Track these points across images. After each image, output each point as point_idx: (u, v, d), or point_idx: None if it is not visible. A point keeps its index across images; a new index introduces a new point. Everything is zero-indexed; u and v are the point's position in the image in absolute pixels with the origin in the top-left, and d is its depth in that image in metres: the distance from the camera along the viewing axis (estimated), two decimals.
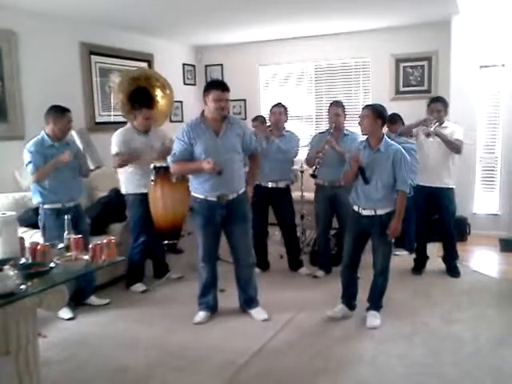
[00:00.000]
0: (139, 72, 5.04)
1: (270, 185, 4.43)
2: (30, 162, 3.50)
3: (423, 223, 4.49)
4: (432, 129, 4.09)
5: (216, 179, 3.29)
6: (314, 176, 4.21)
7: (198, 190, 3.40)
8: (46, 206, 3.60)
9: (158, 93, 4.91)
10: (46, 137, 3.57)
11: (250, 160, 3.64)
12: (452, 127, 4.31)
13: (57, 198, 3.58)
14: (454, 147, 4.17)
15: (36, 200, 3.62)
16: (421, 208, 4.44)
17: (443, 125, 4.27)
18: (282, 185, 4.47)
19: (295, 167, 5.13)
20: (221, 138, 3.33)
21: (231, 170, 3.34)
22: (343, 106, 4.37)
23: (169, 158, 3.48)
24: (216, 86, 3.30)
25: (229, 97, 3.34)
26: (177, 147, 3.37)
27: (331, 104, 4.40)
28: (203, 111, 3.39)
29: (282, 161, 4.41)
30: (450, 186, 4.33)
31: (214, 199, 3.36)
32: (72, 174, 3.65)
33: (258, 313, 3.58)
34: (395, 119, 4.94)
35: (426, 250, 4.54)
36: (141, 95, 4.73)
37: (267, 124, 4.75)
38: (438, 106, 4.27)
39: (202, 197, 3.39)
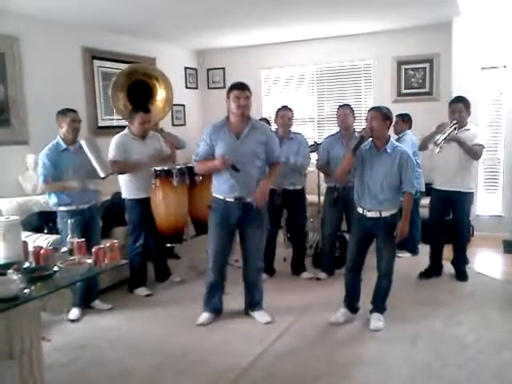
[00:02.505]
0: (135, 66, 4.98)
1: (287, 187, 4.39)
2: (41, 174, 3.61)
3: (437, 227, 4.36)
4: (443, 137, 3.87)
5: (234, 181, 3.34)
6: (337, 199, 4.31)
7: (219, 190, 3.45)
8: (60, 208, 3.66)
9: (158, 84, 4.89)
10: (60, 141, 3.66)
11: (270, 167, 3.52)
12: (474, 130, 4.19)
13: (71, 201, 3.64)
14: (471, 153, 4.04)
15: (52, 202, 3.69)
16: (437, 211, 4.35)
17: (466, 127, 4.16)
18: (298, 187, 4.47)
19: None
20: (241, 141, 3.36)
21: (249, 174, 3.36)
22: (352, 108, 4.39)
23: (193, 157, 3.53)
24: (234, 86, 3.37)
25: (250, 96, 3.35)
26: (200, 147, 3.45)
27: (340, 107, 4.41)
28: (228, 115, 3.43)
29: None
30: (470, 190, 4.22)
31: (232, 200, 3.39)
32: (87, 176, 3.67)
33: (261, 315, 3.58)
34: (404, 119, 4.96)
35: (442, 256, 4.41)
36: (140, 90, 4.73)
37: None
38: (460, 106, 4.12)
39: (221, 197, 3.43)
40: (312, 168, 5.06)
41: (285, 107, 4.54)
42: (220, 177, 3.40)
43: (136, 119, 4.07)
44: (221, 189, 3.42)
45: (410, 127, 5.04)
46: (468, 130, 4.17)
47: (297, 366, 2.94)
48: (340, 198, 4.30)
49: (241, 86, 3.35)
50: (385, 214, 3.31)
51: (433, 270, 4.42)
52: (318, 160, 4.53)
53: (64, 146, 3.64)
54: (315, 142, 4.78)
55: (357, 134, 4.27)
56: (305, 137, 4.64)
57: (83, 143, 3.63)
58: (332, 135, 4.53)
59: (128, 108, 4.56)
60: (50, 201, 3.72)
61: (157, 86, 4.93)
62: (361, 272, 3.51)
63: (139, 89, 4.81)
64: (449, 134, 3.94)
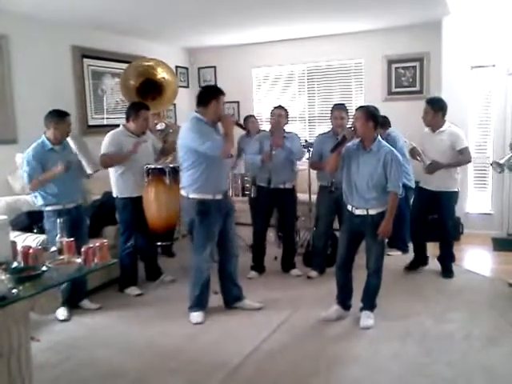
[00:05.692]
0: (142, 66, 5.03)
1: (277, 186, 4.39)
2: (25, 172, 3.55)
3: (418, 224, 4.45)
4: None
5: (220, 177, 3.50)
6: (331, 191, 4.27)
7: (205, 189, 3.43)
8: (47, 208, 3.64)
9: (165, 76, 4.98)
10: (46, 141, 3.61)
11: None
12: (450, 130, 4.21)
13: (57, 200, 3.61)
14: (463, 164, 4.34)
15: (38, 202, 3.67)
16: (419, 208, 4.42)
17: (441, 128, 4.20)
18: (289, 185, 4.47)
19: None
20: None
21: (227, 167, 3.66)
22: (346, 108, 4.39)
23: (208, 146, 3.30)
24: (223, 92, 3.48)
25: None
26: (206, 136, 3.31)
27: (334, 107, 4.40)
28: (197, 113, 3.44)
29: (288, 162, 4.42)
30: (455, 190, 4.29)
31: (220, 197, 3.49)
32: (73, 175, 3.65)
33: (251, 302, 3.72)
34: (383, 123, 4.90)
35: (426, 250, 4.53)
36: (148, 86, 4.86)
37: (261, 127, 4.76)
38: (426, 108, 4.23)
39: (210, 197, 3.45)
40: (303, 166, 5.07)
41: (278, 106, 4.53)
42: (209, 173, 3.39)
43: (141, 115, 4.08)
44: (208, 188, 3.43)
45: (389, 126, 4.86)
46: (443, 131, 4.22)
47: (287, 363, 2.95)
48: (334, 196, 4.30)
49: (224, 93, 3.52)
50: (372, 212, 3.32)
51: (417, 263, 4.52)
52: (310, 157, 4.53)
53: (50, 145, 3.60)
54: (306, 141, 4.78)
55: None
56: (297, 134, 4.66)
57: (70, 141, 3.63)
58: (324, 133, 4.54)
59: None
60: (36, 202, 3.69)
61: (164, 80, 5.01)
62: (351, 269, 3.53)
63: (148, 85, 4.93)
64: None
